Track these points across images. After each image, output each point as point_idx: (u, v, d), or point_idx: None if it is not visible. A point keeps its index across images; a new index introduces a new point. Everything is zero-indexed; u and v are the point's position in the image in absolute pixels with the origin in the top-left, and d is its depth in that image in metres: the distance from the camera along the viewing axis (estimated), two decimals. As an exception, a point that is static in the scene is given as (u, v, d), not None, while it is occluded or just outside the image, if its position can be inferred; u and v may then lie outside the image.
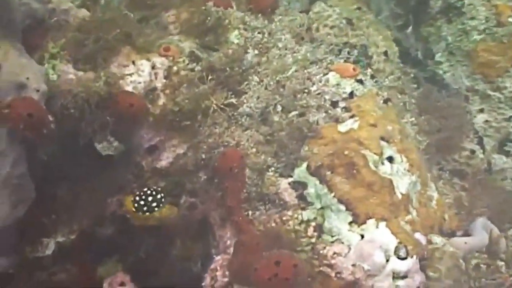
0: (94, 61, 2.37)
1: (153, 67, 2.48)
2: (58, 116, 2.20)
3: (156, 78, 2.49)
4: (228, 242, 2.46)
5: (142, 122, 2.42)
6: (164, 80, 2.50)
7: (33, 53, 2.29)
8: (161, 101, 2.48)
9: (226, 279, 2.35)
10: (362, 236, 2.21)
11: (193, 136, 2.52)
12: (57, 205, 2.66)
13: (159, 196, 2.29)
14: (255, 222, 2.39)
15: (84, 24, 2.45)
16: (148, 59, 2.49)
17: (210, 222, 2.57)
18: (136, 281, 2.86)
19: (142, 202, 2.28)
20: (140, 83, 2.41)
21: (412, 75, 3.10)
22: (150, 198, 2.28)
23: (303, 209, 2.34)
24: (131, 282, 2.86)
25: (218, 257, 2.46)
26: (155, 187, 2.32)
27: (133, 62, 2.44)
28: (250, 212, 2.41)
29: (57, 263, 2.71)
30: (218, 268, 2.39)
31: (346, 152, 2.30)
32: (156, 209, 2.31)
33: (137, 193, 2.29)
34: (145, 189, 2.30)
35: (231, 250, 2.43)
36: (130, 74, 2.37)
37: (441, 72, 3.30)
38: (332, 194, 2.26)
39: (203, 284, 2.42)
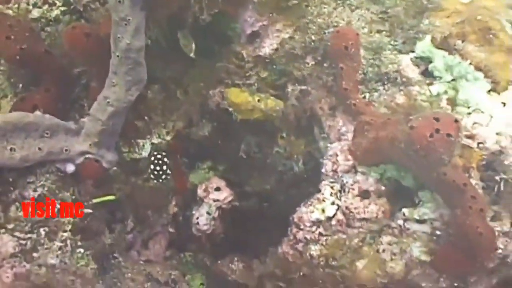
0: None
1: None
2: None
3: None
4: (343, 129, 2.31)
5: (248, 1, 2.22)
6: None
7: None
8: (265, -23, 2.28)
9: (349, 162, 2.20)
10: (504, 104, 2.03)
11: (300, 17, 2.33)
12: (149, 106, 2.47)
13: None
14: (374, 104, 2.21)
15: None
16: None
17: (316, 113, 2.40)
18: (231, 186, 2.74)
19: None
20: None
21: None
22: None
23: (430, 84, 2.16)
24: (226, 187, 2.73)
25: (335, 144, 2.30)
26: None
27: None
28: (367, 95, 2.24)
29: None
30: (338, 153, 2.23)
31: (479, 17, 2.11)
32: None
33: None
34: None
35: (348, 136, 2.28)
36: None
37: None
38: (468, 62, 2.07)
39: (322, 170, 2.27)
